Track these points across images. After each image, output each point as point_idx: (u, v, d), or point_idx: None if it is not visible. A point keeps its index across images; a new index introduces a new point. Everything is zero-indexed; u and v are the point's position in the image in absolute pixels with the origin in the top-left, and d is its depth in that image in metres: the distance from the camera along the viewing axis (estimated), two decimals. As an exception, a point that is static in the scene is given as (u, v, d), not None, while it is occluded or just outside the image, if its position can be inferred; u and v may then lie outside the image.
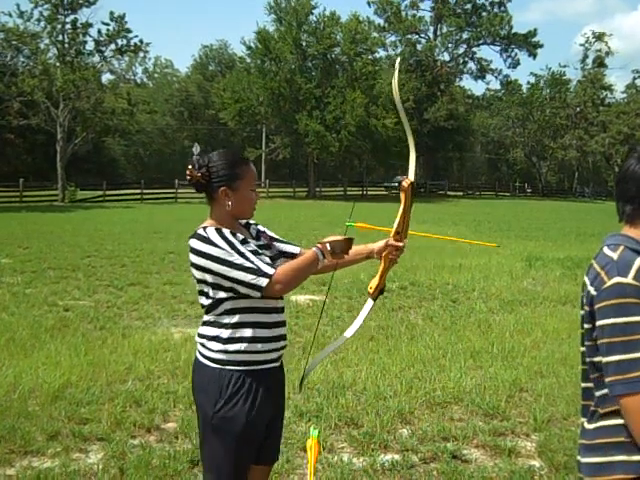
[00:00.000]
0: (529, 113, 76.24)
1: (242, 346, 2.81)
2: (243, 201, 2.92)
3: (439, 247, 17.92)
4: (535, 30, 70.95)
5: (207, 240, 2.81)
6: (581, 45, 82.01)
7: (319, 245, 2.83)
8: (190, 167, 2.91)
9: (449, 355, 7.14)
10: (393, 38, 69.57)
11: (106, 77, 55.19)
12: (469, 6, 70.31)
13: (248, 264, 2.73)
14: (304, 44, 55.99)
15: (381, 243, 3.07)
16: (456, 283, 12.34)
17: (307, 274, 2.86)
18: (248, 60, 60.56)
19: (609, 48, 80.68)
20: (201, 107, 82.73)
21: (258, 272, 2.71)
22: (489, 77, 73.56)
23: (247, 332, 2.82)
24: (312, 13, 56.17)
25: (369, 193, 61.45)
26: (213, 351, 2.84)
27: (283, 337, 2.99)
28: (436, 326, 8.80)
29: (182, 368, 6.35)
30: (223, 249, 2.76)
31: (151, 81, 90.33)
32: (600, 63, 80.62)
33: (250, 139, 68.21)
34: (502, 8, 70.17)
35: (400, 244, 3.02)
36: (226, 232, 2.84)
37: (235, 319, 2.82)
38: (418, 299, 10.84)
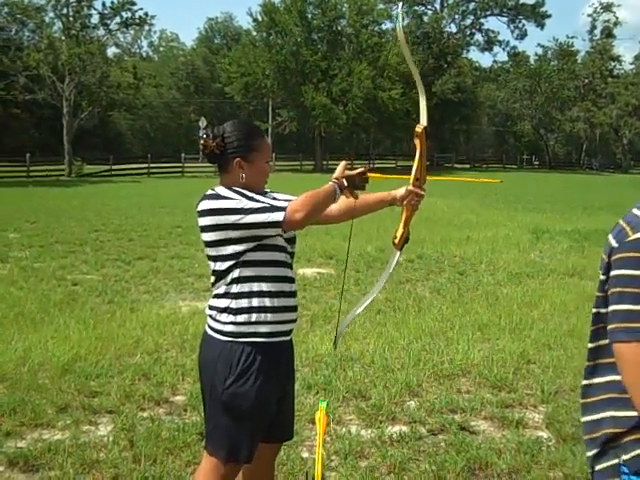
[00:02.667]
0: (537, 85, 75.72)
1: (252, 317, 2.76)
2: (257, 173, 2.88)
3: (447, 220, 17.90)
4: (543, 0, 70.38)
5: (216, 196, 2.78)
6: (589, 16, 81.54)
7: (335, 180, 2.79)
8: (204, 137, 2.86)
9: (456, 328, 7.14)
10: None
11: (111, 51, 55.15)
12: (476, -24, 69.76)
13: (259, 205, 2.68)
14: (309, 16, 55.71)
15: (402, 190, 3.03)
16: (463, 256, 12.33)
17: (324, 204, 2.75)
18: (254, 33, 60.29)
19: (617, 19, 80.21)
20: (207, 81, 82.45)
21: (271, 209, 2.66)
22: (496, 49, 73.29)
23: (255, 302, 2.77)
24: (318, -16, 55.83)
25: (376, 166, 61.25)
26: (223, 323, 2.80)
27: (294, 308, 2.92)
28: (444, 299, 8.80)
29: (190, 341, 6.37)
30: (232, 199, 2.73)
31: (156, 55, 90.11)
32: (608, 34, 79.96)
33: (256, 113, 68.00)
34: (509, -23, 69.59)
35: (420, 190, 3.01)
36: (236, 187, 2.81)
37: (244, 288, 2.77)
38: (426, 272, 10.83)
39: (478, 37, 72.72)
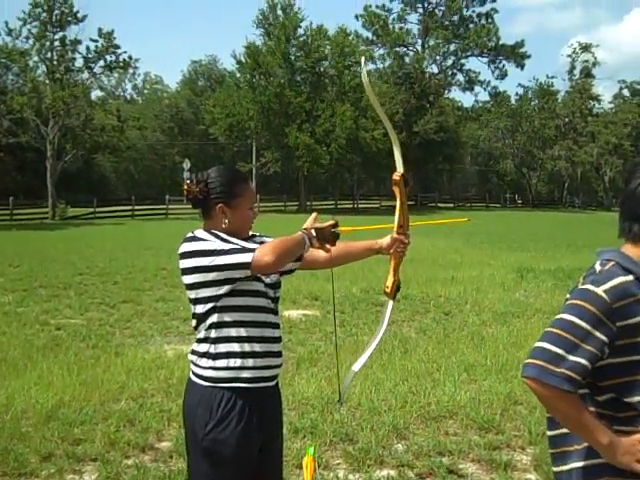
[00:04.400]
0: (518, 124, 76.63)
1: (231, 362, 2.74)
2: (240, 219, 2.87)
3: (431, 260, 17.96)
4: (522, 41, 71.51)
5: (193, 238, 2.79)
6: (568, 56, 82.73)
7: (304, 230, 2.81)
8: (188, 182, 2.89)
9: (443, 369, 7.13)
10: (381, 51, 69.76)
11: (95, 94, 55.35)
12: (456, 18, 70.65)
13: (230, 246, 2.69)
14: (293, 58, 56.29)
15: (388, 239, 3.08)
16: (448, 296, 12.35)
17: (293, 251, 2.76)
18: (238, 75, 60.84)
19: (595, 59, 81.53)
20: (191, 122, 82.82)
21: (241, 250, 2.66)
22: (477, 89, 74.04)
23: (236, 347, 2.75)
24: (300, 27, 56.60)
25: (360, 206, 61.53)
26: (203, 368, 2.78)
27: (277, 354, 2.89)
28: (429, 339, 8.80)
29: (176, 386, 6.32)
30: (207, 240, 2.74)
31: (140, 97, 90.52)
32: (587, 74, 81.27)
33: (240, 154, 68.39)
34: (489, 20, 70.53)
35: (405, 238, 3.07)
36: (214, 230, 2.83)
37: (223, 333, 2.75)
38: (411, 312, 10.83)
39: (459, 77, 73.45)
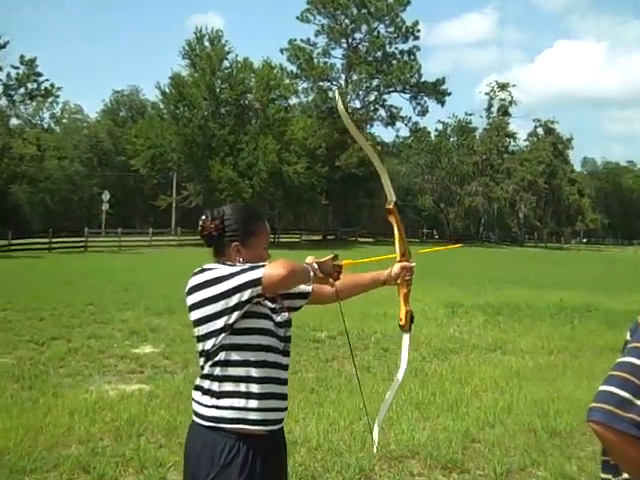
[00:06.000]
0: (437, 160, 78.30)
1: (235, 401, 2.63)
2: (254, 258, 2.76)
3: (363, 295, 17.95)
4: (443, 79, 73.46)
5: (204, 270, 2.69)
6: (486, 94, 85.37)
7: (306, 263, 2.75)
8: (203, 218, 2.80)
9: (394, 407, 7.08)
10: (305, 85, 70.41)
11: (12, 122, 54.02)
12: (379, 54, 72.09)
13: (237, 268, 2.61)
14: (218, 90, 56.26)
15: (395, 268, 3.07)
16: (384, 331, 12.37)
17: (300, 274, 2.64)
18: (161, 106, 60.38)
19: (512, 97, 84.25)
20: (111, 153, 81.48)
21: (251, 269, 2.57)
22: (399, 124, 75.09)
23: (242, 386, 2.64)
24: (226, 59, 56.72)
25: (282, 240, 61.53)
26: (205, 406, 2.67)
27: (284, 396, 2.80)
28: (374, 377, 8.75)
29: (125, 428, 6.11)
30: (219, 269, 2.65)
31: (59, 126, 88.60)
32: (504, 112, 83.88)
33: (161, 186, 67.64)
34: (412, 57, 72.29)
35: (411, 264, 3.06)
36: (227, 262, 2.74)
37: (229, 371, 2.65)
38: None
39: (382, 112, 74.66)
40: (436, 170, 79.33)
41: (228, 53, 56.78)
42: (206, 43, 57.09)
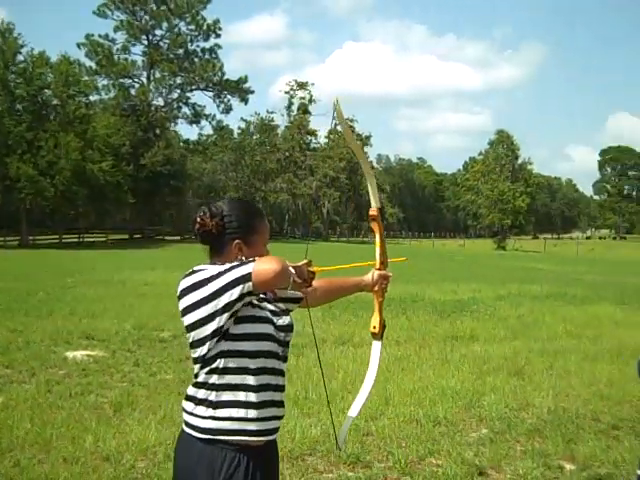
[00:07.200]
0: (241, 158, 78.59)
1: (234, 411, 2.52)
2: (255, 256, 2.57)
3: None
4: (246, 77, 73.94)
5: (194, 272, 2.56)
6: (286, 93, 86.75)
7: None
8: (201, 214, 2.66)
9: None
10: (106, 82, 68.20)
11: None
12: (181, 51, 71.31)
13: (226, 266, 2.48)
14: (12, 85, 53.20)
15: (372, 275, 3.04)
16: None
17: (285, 272, 2.47)
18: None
19: (311, 96, 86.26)
20: None
21: (239, 265, 2.45)
22: (203, 122, 74.47)
23: (241, 395, 2.54)
24: (20, 53, 53.72)
25: (87, 240, 59.43)
26: (201, 418, 2.53)
27: (281, 404, 2.70)
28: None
29: None
30: (207, 269, 2.52)
31: None
32: (304, 110, 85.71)
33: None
34: (213, 55, 72.06)
35: (389, 273, 3.05)
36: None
37: (227, 379, 2.53)
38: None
39: (185, 110, 73.85)
40: (240, 167, 79.63)
41: (22, 47, 53.88)
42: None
